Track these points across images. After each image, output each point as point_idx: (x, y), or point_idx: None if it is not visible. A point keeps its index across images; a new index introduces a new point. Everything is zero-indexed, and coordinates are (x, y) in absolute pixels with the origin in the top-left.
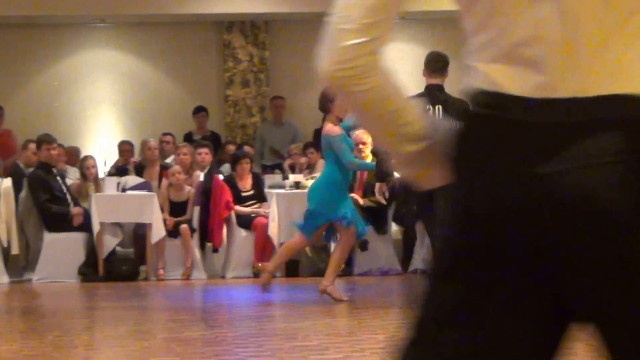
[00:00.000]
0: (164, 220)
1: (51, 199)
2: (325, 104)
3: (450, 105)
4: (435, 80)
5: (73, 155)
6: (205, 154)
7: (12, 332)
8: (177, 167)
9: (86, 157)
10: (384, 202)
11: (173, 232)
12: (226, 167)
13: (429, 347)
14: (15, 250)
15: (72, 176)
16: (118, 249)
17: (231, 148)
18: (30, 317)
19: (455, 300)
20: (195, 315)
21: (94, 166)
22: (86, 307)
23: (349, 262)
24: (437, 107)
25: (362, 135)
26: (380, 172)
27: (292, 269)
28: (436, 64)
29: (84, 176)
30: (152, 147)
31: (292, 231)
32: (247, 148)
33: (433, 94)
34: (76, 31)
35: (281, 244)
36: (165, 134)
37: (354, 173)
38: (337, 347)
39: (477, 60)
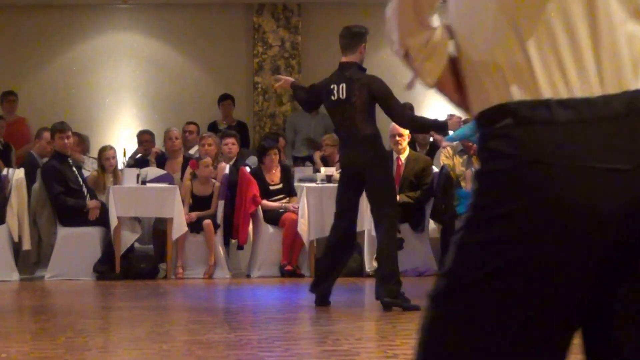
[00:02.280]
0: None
1: (66, 191)
2: (355, 43)
3: (354, 82)
4: (345, 58)
5: (84, 145)
6: (231, 145)
7: (22, 333)
8: (208, 159)
9: (105, 148)
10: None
11: (195, 228)
12: (252, 159)
13: None
14: (27, 245)
15: (90, 167)
16: (136, 245)
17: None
18: (41, 316)
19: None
20: (218, 316)
21: (114, 157)
22: (101, 306)
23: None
24: (340, 85)
25: (398, 127)
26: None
27: None
28: (344, 40)
29: (102, 167)
30: (175, 137)
31: (323, 227)
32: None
33: (338, 72)
34: (95, 13)
35: (311, 241)
36: (189, 123)
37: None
38: (368, 352)
39: None
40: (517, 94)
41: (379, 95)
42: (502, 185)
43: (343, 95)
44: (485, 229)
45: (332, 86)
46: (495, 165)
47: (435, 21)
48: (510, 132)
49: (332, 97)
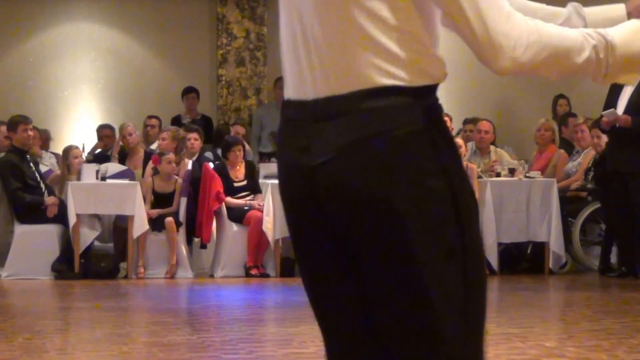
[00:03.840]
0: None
1: (23, 187)
2: None
3: None
4: None
5: (45, 140)
6: (194, 140)
7: None
8: (171, 155)
9: (71, 147)
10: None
11: (157, 226)
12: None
13: None
14: None
15: (47, 162)
16: (96, 243)
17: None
18: None
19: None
20: (180, 318)
21: (81, 157)
22: (60, 307)
23: None
24: None
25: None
26: None
27: (287, 267)
28: None
29: (67, 168)
30: (129, 133)
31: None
32: (239, 129)
33: None
34: (54, 2)
35: (277, 240)
36: (150, 117)
37: None
38: None
39: None
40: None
41: None
42: None
43: None
44: None
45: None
46: None
47: None
48: None
49: None
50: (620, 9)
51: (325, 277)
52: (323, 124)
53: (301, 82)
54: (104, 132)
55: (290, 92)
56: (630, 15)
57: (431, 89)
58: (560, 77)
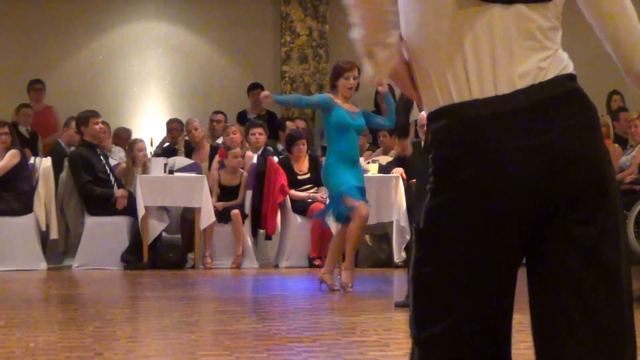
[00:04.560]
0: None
1: (94, 180)
2: (332, 82)
3: None
4: None
5: (124, 139)
6: (259, 134)
7: (50, 322)
8: (237, 150)
9: (136, 140)
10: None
11: (223, 218)
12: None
13: None
14: (54, 234)
15: (116, 156)
16: (164, 234)
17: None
18: (69, 306)
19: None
20: (246, 306)
21: (145, 149)
22: (129, 296)
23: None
24: None
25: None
26: (402, 127)
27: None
28: None
29: (133, 160)
30: (194, 128)
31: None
32: (300, 124)
33: None
34: (123, 1)
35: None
36: (216, 113)
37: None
38: (397, 343)
39: None
40: (456, 97)
41: None
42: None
43: None
44: (445, 193)
45: None
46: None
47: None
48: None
49: None
50: None
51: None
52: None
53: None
54: (173, 125)
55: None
56: None
57: None
58: (622, 51)
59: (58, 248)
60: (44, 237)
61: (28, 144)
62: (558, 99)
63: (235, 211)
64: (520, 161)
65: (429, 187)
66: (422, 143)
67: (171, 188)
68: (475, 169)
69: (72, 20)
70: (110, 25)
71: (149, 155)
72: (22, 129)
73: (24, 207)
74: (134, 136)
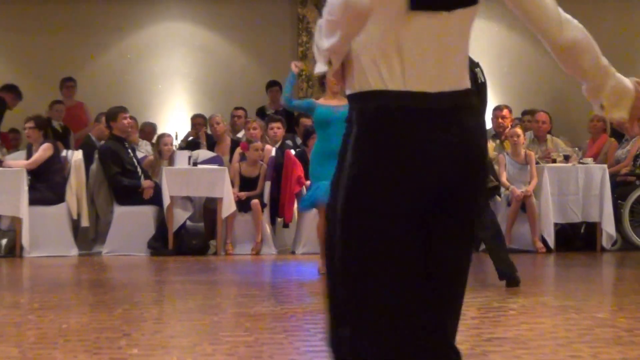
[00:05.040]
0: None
1: (122, 172)
2: (320, 80)
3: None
4: None
5: (150, 133)
6: (277, 129)
7: (81, 305)
8: (258, 144)
9: (163, 135)
10: None
11: (244, 207)
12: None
13: None
14: (85, 222)
15: (144, 149)
16: (188, 223)
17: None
18: (99, 289)
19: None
20: (265, 290)
21: (171, 144)
22: (155, 280)
23: None
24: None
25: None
26: None
27: None
28: None
29: (159, 153)
30: (216, 122)
31: None
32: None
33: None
34: (149, 3)
35: None
36: (237, 109)
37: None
38: None
39: None
40: (390, 85)
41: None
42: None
43: (484, 79)
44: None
45: (475, 70)
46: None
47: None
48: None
49: (480, 81)
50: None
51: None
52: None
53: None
54: (197, 120)
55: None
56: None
57: None
58: (583, 75)
59: (88, 235)
60: (75, 225)
61: (60, 138)
62: (467, 107)
63: (255, 201)
64: (437, 151)
65: (349, 163)
66: None
67: (195, 179)
68: (402, 151)
69: (102, 22)
70: (137, 27)
71: (174, 149)
72: (55, 124)
73: (57, 196)
74: (160, 131)
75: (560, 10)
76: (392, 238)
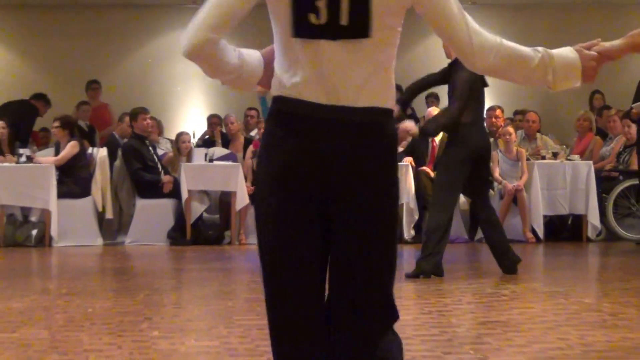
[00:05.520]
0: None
1: (143, 168)
2: None
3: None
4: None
5: (159, 127)
6: None
7: (105, 291)
8: None
9: (182, 133)
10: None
11: None
12: None
13: None
14: (109, 214)
15: (164, 147)
16: (205, 214)
17: None
18: (122, 277)
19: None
20: None
21: (189, 141)
22: (174, 268)
23: (418, 230)
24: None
25: (433, 111)
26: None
27: None
28: None
29: (178, 150)
30: (230, 122)
31: None
32: None
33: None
34: (168, 12)
35: None
36: (249, 109)
37: (424, 148)
38: (407, 309)
39: None
40: (292, 93)
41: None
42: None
43: (487, 83)
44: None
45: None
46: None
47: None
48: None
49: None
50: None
51: (301, 240)
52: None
53: None
54: (212, 120)
55: None
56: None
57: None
58: (523, 81)
59: (112, 226)
60: (100, 216)
61: (86, 136)
62: (362, 124)
63: None
64: (321, 157)
65: (257, 151)
66: (429, 138)
67: (211, 174)
68: (294, 152)
69: (125, 29)
70: (157, 33)
71: (192, 146)
72: (82, 123)
73: (83, 190)
74: (178, 129)
75: (474, 34)
76: (276, 221)
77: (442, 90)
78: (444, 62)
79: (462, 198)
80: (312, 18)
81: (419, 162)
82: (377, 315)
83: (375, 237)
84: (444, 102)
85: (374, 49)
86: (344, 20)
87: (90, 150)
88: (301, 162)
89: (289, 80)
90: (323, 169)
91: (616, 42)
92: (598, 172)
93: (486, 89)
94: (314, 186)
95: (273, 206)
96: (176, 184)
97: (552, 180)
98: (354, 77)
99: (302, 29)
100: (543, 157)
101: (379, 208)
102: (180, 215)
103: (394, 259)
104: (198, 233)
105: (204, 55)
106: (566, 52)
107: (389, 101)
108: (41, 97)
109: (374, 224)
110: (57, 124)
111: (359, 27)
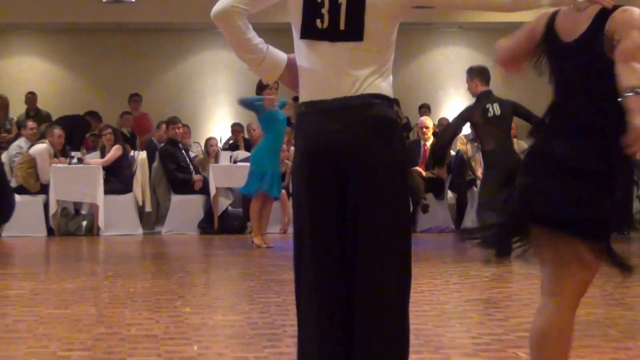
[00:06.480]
0: None
1: (177, 168)
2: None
3: (503, 102)
4: (486, 88)
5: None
6: None
7: (145, 273)
8: (286, 146)
9: (210, 138)
10: (444, 178)
11: None
12: None
13: None
14: (148, 208)
15: (195, 150)
16: (230, 208)
17: None
18: (159, 261)
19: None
20: (290, 262)
21: (216, 145)
22: (204, 254)
23: (413, 221)
24: (494, 104)
25: (425, 120)
26: (438, 157)
27: None
28: (488, 75)
29: (207, 153)
30: (253, 129)
31: None
32: None
33: (489, 97)
34: (199, 35)
35: None
36: None
37: (417, 150)
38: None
39: None
40: (315, 96)
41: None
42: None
43: (498, 112)
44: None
45: (486, 106)
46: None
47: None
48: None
49: (489, 115)
50: None
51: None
52: None
53: None
54: (236, 127)
55: None
56: None
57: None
58: (513, 6)
59: (151, 218)
60: (140, 210)
61: (129, 141)
62: (356, 107)
63: (283, 190)
64: (326, 136)
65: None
66: (421, 142)
67: (235, 174)
68: (309, 141)
69: (162, 50)
70: (190, 53)
71: (219, 150)
72: (125, 130)
73: (126, 187)
74: (207, 135)
75: None
76: (306, 198)
77: (434, 101)
78: (437, 78)
79: (450, 193)
80: (318, 23)
81: (412, 162)
82: (394, 265)
83: (385, 198)
84: (436, 112)
85: (369, 51)
86: (342, 25)
87: (132, 153)
88: (318, 142)
89: (302, 86)
90: (335, 144)
91: None
92: None
93: (469, 100)
94: (330, 157)
95: (305, 173)
96: (205, 182)
97: None
98: (351, 73)
99: (309, 31)
100: None
101: (384, 174)
102: (209, 209)
103: (406, 222)
104: (224, 224)
105: (228, 21)
106: None
107: (384, 92)
108: (94, 115)
109: (379, 185)
110: (109, 131)
111: (354, 31)
